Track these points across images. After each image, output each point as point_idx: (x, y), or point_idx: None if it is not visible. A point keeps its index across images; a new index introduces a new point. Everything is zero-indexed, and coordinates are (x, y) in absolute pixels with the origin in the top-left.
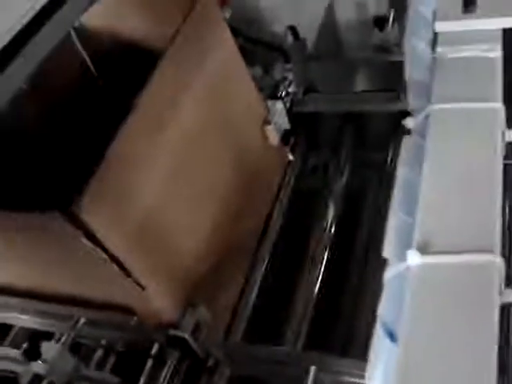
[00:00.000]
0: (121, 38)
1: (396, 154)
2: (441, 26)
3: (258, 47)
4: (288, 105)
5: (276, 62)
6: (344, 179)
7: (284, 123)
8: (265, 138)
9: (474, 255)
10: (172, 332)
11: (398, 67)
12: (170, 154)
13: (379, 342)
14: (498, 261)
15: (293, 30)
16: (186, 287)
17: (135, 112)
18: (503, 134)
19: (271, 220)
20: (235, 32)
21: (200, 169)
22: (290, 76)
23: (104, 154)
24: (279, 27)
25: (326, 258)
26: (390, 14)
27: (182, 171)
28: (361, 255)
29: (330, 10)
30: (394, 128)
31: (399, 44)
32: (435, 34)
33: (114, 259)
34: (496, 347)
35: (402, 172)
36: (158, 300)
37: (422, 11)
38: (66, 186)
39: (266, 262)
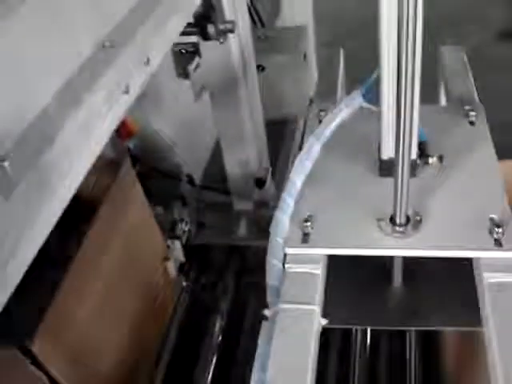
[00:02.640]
0: None
1: None
2: (288, 250)
3: (159, 178)
4: (184, 240)
5: (174, 202)
6: (229, 297)
7: (180, 257)
8: (164, 270)
9: None
10: None
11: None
12: (97, 294)
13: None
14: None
15: (189, 177)
16: None
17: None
18: (319, 323)
19: (170, 329)
20: (138, 160)
21: (116, 299)
22: (186, 217)
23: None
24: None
25: (214, 363)
26: (267, 177)
27: (106, 302)
28: (243, 359)
29: (219, 159)
30: None
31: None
32: (285, 255)
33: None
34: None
35: (260, 345)
36: None
37: (278, 240)
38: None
39: (167, 362)
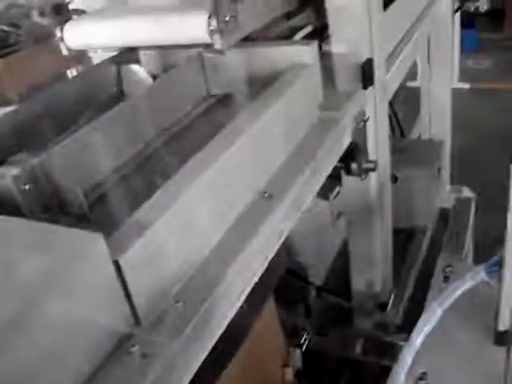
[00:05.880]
0: None
1: None
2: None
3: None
4: (303, 347)
5: (298, 309)
6: None
7: (298, 364)
8: (283, 376)
9: None
10: None
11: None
12: None
13: None
14: None
15: (317, 286)
16: None
17: None
18: None
19: None
20: None
21: None
22: (308, 326)
23: None
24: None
25: None
26: (390, 299)
27: None
28: None
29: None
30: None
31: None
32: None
33: None
34: None
35: None
36: None
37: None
38: None
39: None
